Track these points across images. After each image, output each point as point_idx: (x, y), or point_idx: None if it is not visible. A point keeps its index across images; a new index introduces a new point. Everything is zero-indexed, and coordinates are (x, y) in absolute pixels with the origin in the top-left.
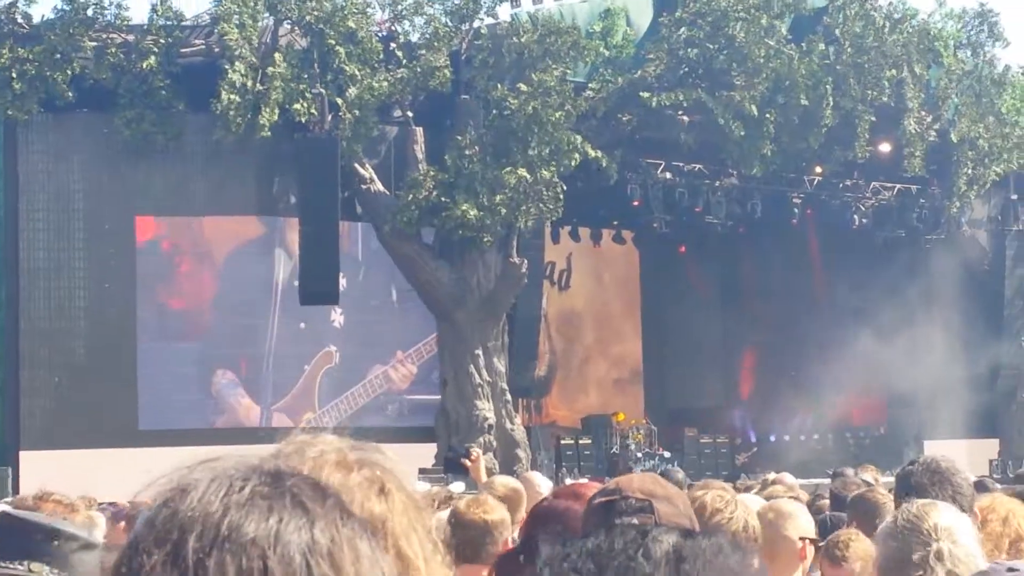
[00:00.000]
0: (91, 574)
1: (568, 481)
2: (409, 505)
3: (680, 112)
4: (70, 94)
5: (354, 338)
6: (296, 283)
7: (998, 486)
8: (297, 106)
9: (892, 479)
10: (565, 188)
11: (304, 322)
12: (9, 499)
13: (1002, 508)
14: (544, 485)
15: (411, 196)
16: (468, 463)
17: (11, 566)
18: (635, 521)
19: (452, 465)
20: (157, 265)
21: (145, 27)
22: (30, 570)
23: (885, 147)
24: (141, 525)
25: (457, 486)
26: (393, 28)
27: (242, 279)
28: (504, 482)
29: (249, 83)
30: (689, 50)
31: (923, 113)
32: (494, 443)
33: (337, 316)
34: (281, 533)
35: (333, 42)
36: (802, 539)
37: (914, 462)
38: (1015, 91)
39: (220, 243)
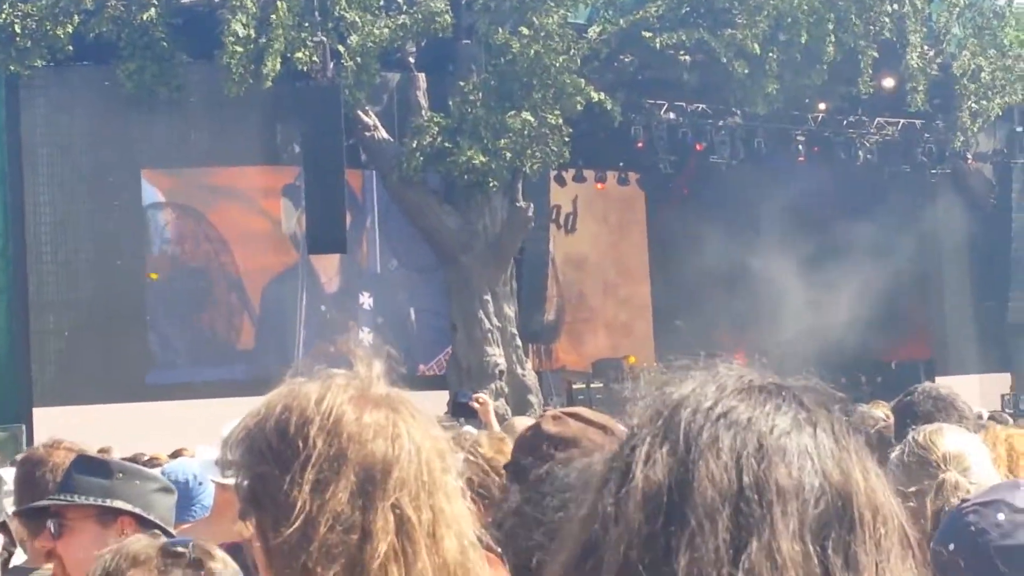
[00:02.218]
0: (166, 517)
1: None
2: (430, 454)
3: (682, 52)
4: (71, 48)
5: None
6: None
7: (1009, 420)
8: (299, 55)
9: None
10: (570, 130)
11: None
12: (22, 452)
13: (1002, 434)
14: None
15: (416, 143)
16: (477, 406)
17: (96, 501)
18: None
19: (461, 409)
20: (164, 223)
21: None
22: (113, 505)
23: (888, 82)
24: (637, 417)
25: (469, 431)
26: None
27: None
28: (524, 422)
29: (252, 33)
30: None
31: (925, 48)
32: (505, 389)
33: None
34: (779, 421)
35: None
36: None
37: (911, 392)
38: (1018, 23)
39: (229, 204)
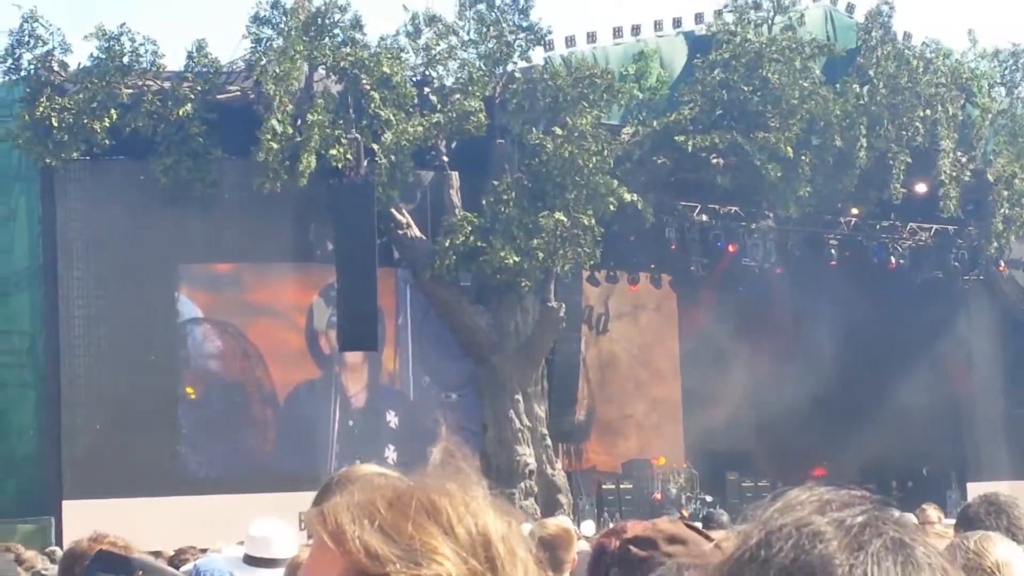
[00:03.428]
0: None
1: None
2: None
3: (715, 155)
4: (107, 142)
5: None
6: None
7: None
8: (333, 152)
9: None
10: (603, 231)
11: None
12: (55, 547)
13: None
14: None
15: (448, 241)
16: None
17: None
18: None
19: None
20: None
21: (181, 73)
22: None
23: (921, 188)
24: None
25: None
26: (427, 73)
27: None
28: (555, 522)
29: (288, 130)
30: (723, 92)
31: (958, 153)
32: (535, 488)
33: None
34: None
35: (368, 87)
36: None
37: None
38: None
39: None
